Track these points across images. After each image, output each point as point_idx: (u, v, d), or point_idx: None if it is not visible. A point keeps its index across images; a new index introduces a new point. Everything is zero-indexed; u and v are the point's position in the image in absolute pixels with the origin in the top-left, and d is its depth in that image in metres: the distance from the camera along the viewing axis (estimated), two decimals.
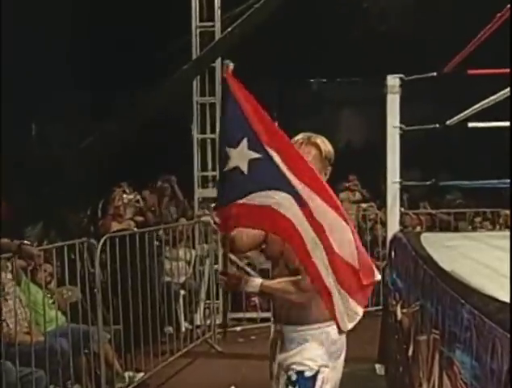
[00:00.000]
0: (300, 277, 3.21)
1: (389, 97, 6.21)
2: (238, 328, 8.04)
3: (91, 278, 5.87)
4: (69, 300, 5.67)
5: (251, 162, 2.89)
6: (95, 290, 5.61)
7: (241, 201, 2.96)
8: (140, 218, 8.40)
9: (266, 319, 8.32)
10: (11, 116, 15.30)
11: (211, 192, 8.60)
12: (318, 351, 3.30)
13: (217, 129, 8.62)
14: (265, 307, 8.60)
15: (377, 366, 6.21)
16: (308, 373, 3.29)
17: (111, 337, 5.85)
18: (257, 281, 3.32)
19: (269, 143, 2.87)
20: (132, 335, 6.15)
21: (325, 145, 3.35)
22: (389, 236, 6.23)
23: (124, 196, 8.17)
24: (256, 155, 2.88)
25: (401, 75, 6.18)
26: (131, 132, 9.41)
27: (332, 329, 3.28)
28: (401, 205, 6.53)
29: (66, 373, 5.28)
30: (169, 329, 7.42)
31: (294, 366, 3.31)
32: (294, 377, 3.30)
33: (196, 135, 8.75)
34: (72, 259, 5.60)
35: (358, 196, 11.08)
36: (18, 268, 5.32)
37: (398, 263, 5.44)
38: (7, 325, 4.87)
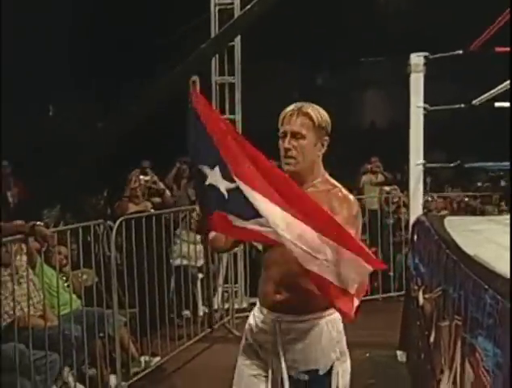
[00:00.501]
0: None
1: (413, 76, 6.13)
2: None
3: (107, 261, 5.88)
4: (84, 283, 5.68)
5: (228, 190, 2.88)
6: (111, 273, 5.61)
7: (224, 214, 2.92)
8: (157, 200, 8.39)
9: None
10: (28, 100, 15.39)
11: None
12: (329, 344, 3.04)
13: (237, 109, 8.61)
14: None
15: (398, 353, 6.17)
16: (321, 371, 3.03)
17: (127, 321, 5.85)
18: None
19: (236, 173, 2.82)
20: (148, 318, 6.15)
21: (318, 114, 3.09)
22: (412, 219, 6.17)
23: (141, 177, 8.16)
24: (230, 185, 2.86)
25: (426, 53, 6.10)
26: (149, 112, 9.38)
27: (338, 315, 3.02)
28: (425, 188, 6.47)
29: (81, 357, 5.31)
30: (187, 313, 7.43)
31: (303, 366, 3.03)
32: (306, 378, 3.02)
33: None
34: (87, 241, 5.60)
35: (380, 178, 10.98)
36: (33, 251, 5.33)
37: (421, 247, 5.39)
38: (21, 308, 4.88)
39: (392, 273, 8.87)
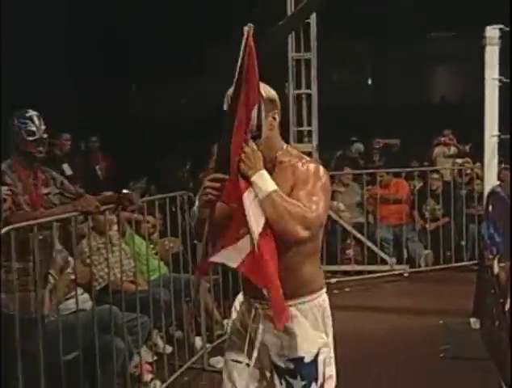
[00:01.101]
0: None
1: (488, 49, 6.00)
2: (333, 280, 8.05)
3: (192, 230, 5.96)
4: (170, 251, 5.79)
5: None
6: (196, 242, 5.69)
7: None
8: None
9: (360, 272, 8.35)
10: (112, 79, 15.65)
11: (307, 147, 8.59)
12: (314, 330, 2.82)
13: (312, 84, 8.59)
14: (359, 260, 8.61)
15: (472, 320, 6.13)
16: (307, 359, 2.80)
17: (211, 286, 5.95)
18: (270, 183, 2.66)
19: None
20: (230, 284, 6.23)
21: (265, 88, 2.81)
22: (486, 190, 6.08)
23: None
24: None
25: (501, 26, 5.96)
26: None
27: (324, 298, 2.87)
28: (499, 160, 6.36)
29: (169, 320, 5.44)
30: None
31: (288, 353, 2.81)
32: (292, 366, 2.81)
33: (292, 90, 8.69)
34: (173, 211, 5.70)
35: (453, 150, 10.80)
36: (123, 220, 5.47)
37: (496, 217, 5.32)
38: (114, 274, 5.03)
39: (464, 242, 8.76)
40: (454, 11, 15.42)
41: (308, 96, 8.62)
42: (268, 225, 2.61)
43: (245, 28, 2.59)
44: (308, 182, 2.72)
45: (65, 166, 8.55)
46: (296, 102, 8.69)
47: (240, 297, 3.01)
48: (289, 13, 8.49)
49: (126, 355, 4.65)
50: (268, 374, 2.91)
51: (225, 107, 2.75)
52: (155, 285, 5.28)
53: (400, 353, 5.60)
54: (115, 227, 5.35)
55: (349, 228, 8.70)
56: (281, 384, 2.84)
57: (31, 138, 4.24)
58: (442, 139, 10.88)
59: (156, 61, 15.99)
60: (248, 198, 2.64)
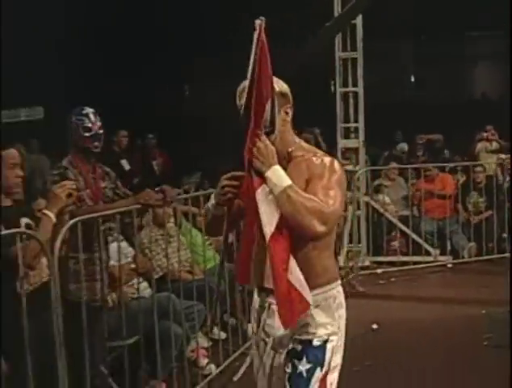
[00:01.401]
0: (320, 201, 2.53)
1: None
2: (379, 270, 8.04)
3: None
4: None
5: None
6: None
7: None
8: None
9: (405, 263, 8.32)
10: (167, 80, 15.78)
11: (354, 143, 8.61)
12: (326, 317, 2.70)
13: (359, 83, 8.59)
14: (404, 251, 8.57)
15: None
16: (316, 342, 2.68)
17: None
18: (285, 178, 2.53)
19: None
20: None
21: (277, 82, 2.67)
22: None
23: None
24: None
25: None
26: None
27: (339, 290, 2.76)
28: None
29: (223, 308, 5.50)
30: None
31: (298, 336, 2.69)
32: (299, 348, 2.69)
33: (339, 88, 8.70)
34: None
35: (495, 145, 10.65)
36: (180, 213, 5.55)
37: None
38: (172, 264, 5.10)
39: (506, 235, 8.67)
40: (494, 10, 15.19)
41: (355, 94, 8.64)
42: (282, 223, 2.52)
43: (257, 22, 2.51)
44: (323, 176, 2.60)
45: (124, 162, 8.69)
46: (343, 99, 8.70)
47: (255, 297, 2.86)
48: (336, 14, 8.50)
49: (183, 340, 4.72)
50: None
51: (237, 103, 2.66)
52: (210, 275, 5.35)
53: (444, 342, 5.58)
54: (172, 220, 5.43)
55: (394, 220, 8.68)
56: (287, 368, 2.71)
57: (87, 134, 4.28)
58: (485, 134, 10.74)
59: (212, 62, 16.08)
60: (261, 194, 2.55)
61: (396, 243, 8.61)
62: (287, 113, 2.73)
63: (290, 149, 2.72)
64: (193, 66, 16.59)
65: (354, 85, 8.64)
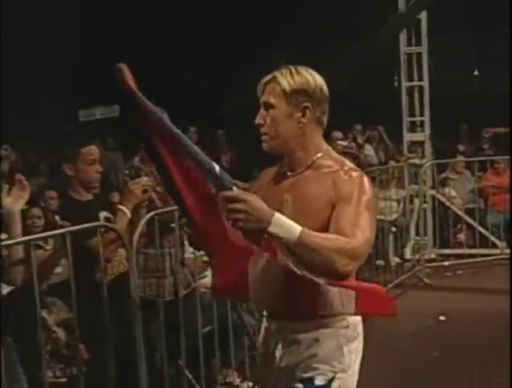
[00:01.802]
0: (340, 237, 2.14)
1: None
2: (446, 263, 7.95)
3: None
4: None
5: None
6: None
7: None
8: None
9: (472, 256, 8.18)
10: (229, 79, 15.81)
11: (420, 136, 8.52)
12: (334, 351, 2.32)
13: (424, 77, 8.50)
14: (470, 244, 8.43)
15: None
16: (318, 381, 2.30)
17: None
18: (293, 226, 2.08)
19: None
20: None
21: (291, 78, 2.31)
22: None
23: (338, 142, 8.23)
24: None
25: None
26: (345, 83, 9.44)
27: (352, 319, 2.36)
28: None
29: None
30: (380, 262, 7.47)
31: (299, 373, 2.32)
32: (300, 387, 2.32)
33: (404, 83, 8.62)
34: None
35: None
36: None
37: None
38: None
39: None
40: None
41: (420, 88, 8.55)
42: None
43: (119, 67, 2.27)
44: (351, 198, 2.21)
45: None
46: (408, 94, 8.62)
47: (263, 324, 2.58)
48: (400, 10, 8.43)
49: (255, 330, 4.75)
50: None
51: (259, 95, 2.37)
52: None
53: (508, 334, 5.47)
54: None
55: (460, 213, 8.55)
56: None
57: None
58: None
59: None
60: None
61: (462, 236, 8.49)
62: (303, 113, 2.31)
63: (315, 157, 2.35)
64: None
65: (420, 79, 8.56)
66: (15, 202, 3.20)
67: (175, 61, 14.96)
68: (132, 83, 2.27)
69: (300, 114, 2.30)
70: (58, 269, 3.96)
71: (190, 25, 14.27)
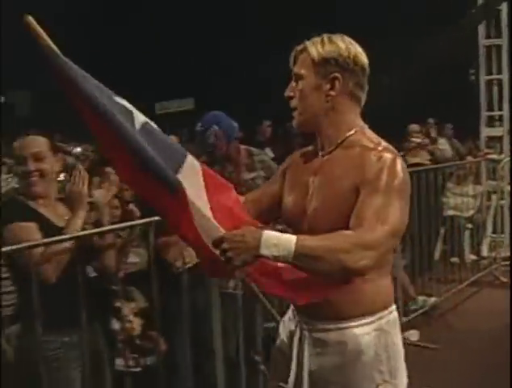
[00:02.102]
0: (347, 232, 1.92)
1: None
2: None
3: None
4: None
5: None
6: None
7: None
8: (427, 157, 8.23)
9: None
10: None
11: (498, 131, 8.25)
12: (372, 361, 2.06)
13: (504, 69, 8.21)
14: None
15: None
16: None
17: (407, 264, 5.86)
18: (287, 240, 1.87)
19: None
20: (426, 262, 6.12)
21: (321, 46, 2.05)
22: None
23: (412, 139, 8.02)
24: None
25: None
26: (420, 76, 9.28)
27: (393, 316, 2.13)
28: None
29: None
30: (455, 259, 7.29)
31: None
32: None
33: (482, 76, 8.36)
34: None
35: None
36: None
37: None
38: None
39: None
40: None
41: (499, 81, 8.26)
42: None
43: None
44: (377, 184, 1.93)
45: (268, 150, 8.77)
46: (487, 87, 8.36)
47: (286, 317, 2.33)
48: (480, 2, 8.19)
49: None
50: None
51: (291, 66, 2.14)
52: None
53: None
54: None
55: None
56: None
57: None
58: None
59: None
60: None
61: None
62: (332, 85, 2.05)
63: (348, 133, 2.09)
64: None
65: (499, 72, 8.27)
66: (105, 195, 3.24)
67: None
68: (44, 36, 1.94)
69: (328, 86, 2.05)
70: (136, 259, 3.98)
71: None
